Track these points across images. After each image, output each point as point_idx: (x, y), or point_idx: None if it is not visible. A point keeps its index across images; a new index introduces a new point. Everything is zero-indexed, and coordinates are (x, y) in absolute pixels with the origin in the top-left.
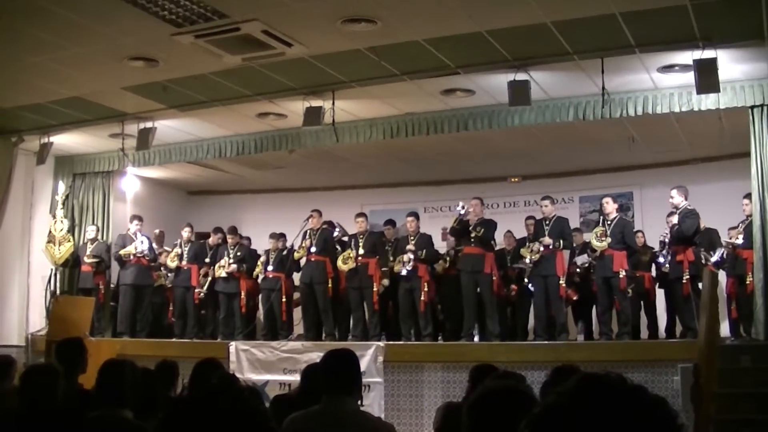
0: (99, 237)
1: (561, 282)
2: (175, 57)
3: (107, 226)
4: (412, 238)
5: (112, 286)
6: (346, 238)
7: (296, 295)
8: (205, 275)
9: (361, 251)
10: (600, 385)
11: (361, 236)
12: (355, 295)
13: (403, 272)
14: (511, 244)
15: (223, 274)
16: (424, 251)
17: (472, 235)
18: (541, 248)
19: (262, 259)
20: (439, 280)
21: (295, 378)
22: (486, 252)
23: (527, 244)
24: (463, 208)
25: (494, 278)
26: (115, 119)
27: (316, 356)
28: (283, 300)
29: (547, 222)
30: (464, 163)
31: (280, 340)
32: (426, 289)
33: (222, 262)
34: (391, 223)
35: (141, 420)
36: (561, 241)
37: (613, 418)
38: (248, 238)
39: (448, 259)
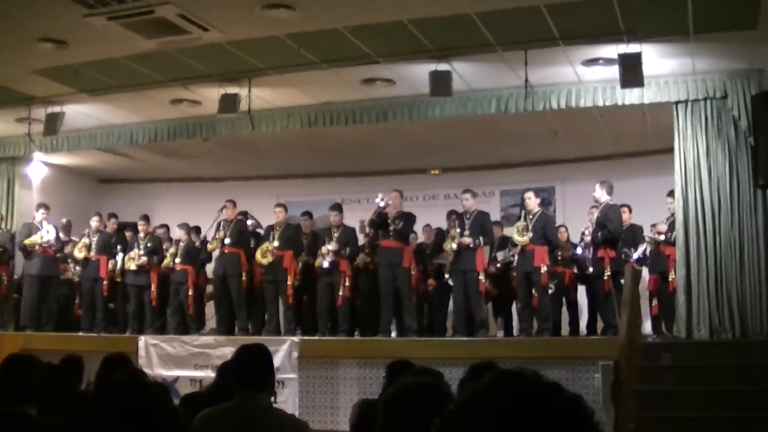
0: (2, 226)
1: (481, 277)
2: (87, 39)
3: (11, 214)
4: (335, 231)
5: (15, 277)
6: (260, 230)
7: (209, 288)
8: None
9: (276, 243)
10: (514, 382)
11: (278, 228)
12: (270, 288)
13: (325, 264)
14: (430, 238)
15: (133, 267)
16: (347, 248)
17: (391, 228)
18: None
19: (171, 250)
20: (357, 274)
21: (207, 374)
22: (404, 246)
23: (448, 238)
24: (382, 200)
25: (413, 273)
26: (22, 103)
27: (229, 351)
28: (190, 293)
29: (468, 216)
30: (384, 155)
31: (192, 335)
32: (347, 283)
33: (132, 253)
34: (307, 214)
35: (45, 417)
36: (481, 238)
37: (527, 415)
38: (166, 226)
39: (367, 253)
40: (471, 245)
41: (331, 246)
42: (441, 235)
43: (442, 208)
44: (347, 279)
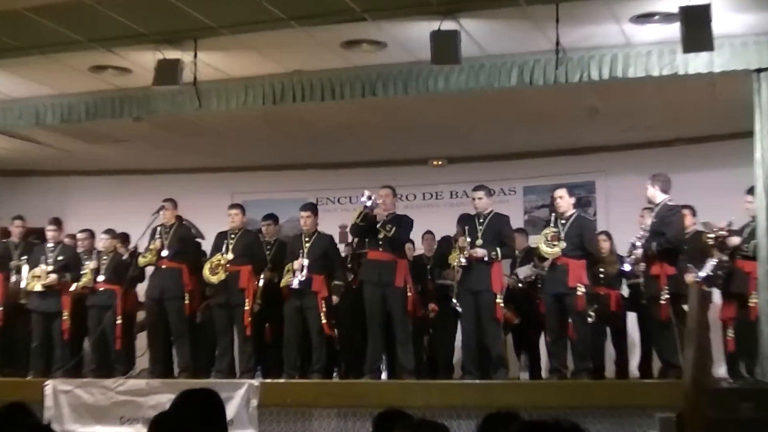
0: None
1: (498, 300)
2: None
3: None
4: (307, 239)
5: None
6: (201, 240)
7: (140, 315)
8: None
9: (230, 256)
10: None
11: (233, 235)
12: (222, 315)
13: (294, 284)
14: (431, 249)
15: (38, 288)
16: (323, 262)
17: (380, 235)
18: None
19: (91, 265)
20: (336, 296)
21: (137, 430)
22: (398, 258)
23: (455, 248)
24: (369, 199)
25: (409, 294)
26: None
27: (166, 399)
28: (119, 321)
29: (481, 220)
30: (371, 141)
31: (117, 378)
32: (323, 308)
33: (37, 269)
34: (271, 217)
35: None
36: (498, 250)
37: None
38: (88, 232)
39: (349, 267)
40: (485, 258)
41: (303, 261)
42: (446, 245)
43: (447, 210)
44: (323, 302)
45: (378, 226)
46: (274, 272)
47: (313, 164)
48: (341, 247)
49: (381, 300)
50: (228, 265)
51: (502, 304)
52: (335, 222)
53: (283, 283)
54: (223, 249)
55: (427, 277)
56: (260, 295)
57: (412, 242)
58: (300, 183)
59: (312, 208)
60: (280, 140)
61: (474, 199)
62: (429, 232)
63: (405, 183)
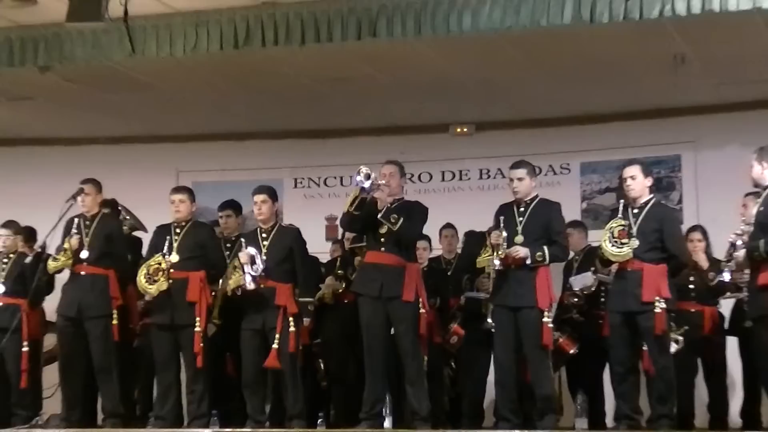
0: None
1: (546, 320)
2: None
3: None
4: (264, 236)
5: None
6: (139, 234)
7: (49, 340)
8: None
9: (175, 257)
10: None
11: (178, 230)
12: (164, 339)
13: (248, 283)
14: (454, 249)
15: None
16: (288, 263)
17: (383, 230)
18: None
19: None
20: (321, 312)
21: None
22: (406, 262)
23: (490, 244)
24: (367, 178)
25: (422, 311)
26: None
27: None
28: (25, 348)
29: (522, 209)
30: (370, 100)
31: (18, 428)
32: (292, 326)
33: None
34: (231, 206)
35: None
36: (546, 249)
37: None
38: None
39: (339, 274)
40: (528, 261)
41: (250, 251)
42: (474, 243)
43: (474, 195)
44: (293, 321)
45: (379, 216)
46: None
47: (290, 132)
48: (328, 246)
49: (383, 320)
50: (172, 271)
51: (551, 326)
52: (320, 211)
53: (231, 285)
54: (165, 248)
55: (447, 287)
56: (217, 312)
57: (428, 239)
58: (271, 158)
59: (268, 191)
60: (243, 100)
61: (512, 179)
62: (449, 225)
63: (417, 158)
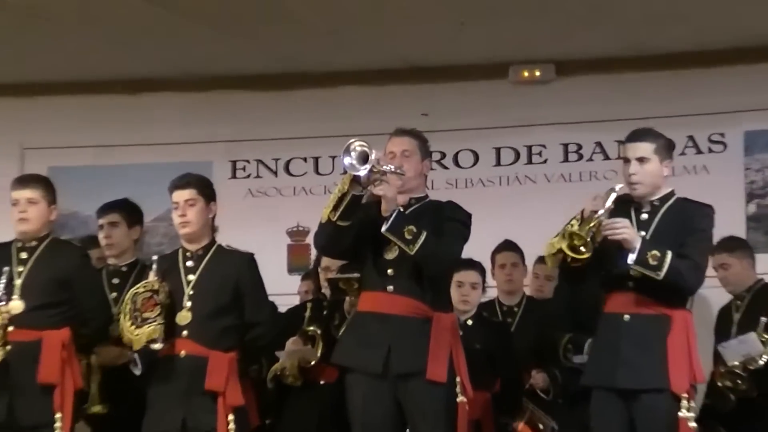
0: None
1: (685, 414)
2: None
3: None
4: (190, 264)
5: None
6: None
7: None
8: None
9: (16, 305)
10: None
11: (23, 253)
12: None
13: (156, 345)
14: (518, 289)
15: None
16: (233, 310)
17: (390, 253)
18: None
19: None
20: (281, 398)
21: None
22: (435, 311)
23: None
24: (363, 160)
25: (461, 399)
26: None
27: None
28: None
29: (645, 212)
30: (368, 25)
31: None
32: (232, 427)
33: None
34: (119, 209)
35: None
36: (669, 256)
37: None
38: None
39: (311, 332)
40: (630, 256)
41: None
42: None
43: (556, 189)
44: (233, 417)
45: (384, 230)
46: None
47: (224, 79)
48: (292, 282)
49: (391, 413)
50: (11, 329)
51: (694, 426)
52: (278, 221)
53: (137, 344)
54: (0, 288)
55: (510, 356)
56: (98, 396)
57: (476, 269)
58: (190, 125)
59: (198, 184)
60: (138, 26)
61: (628, 161)
62: (509, 246)
63: (451, 124)
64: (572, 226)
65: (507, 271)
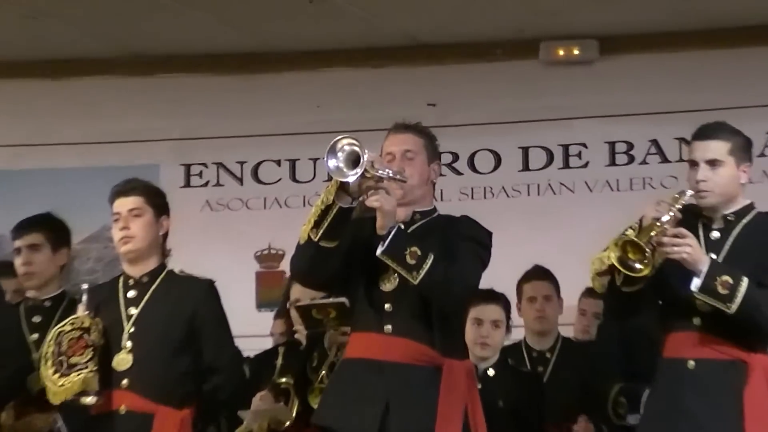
0: None
1: None
2: None
3: None
4: (132, 292)
5: None
6: None
7: None
8: None
9: None
10: None
11: None
12: None
13: (88, 398)
14: (549, 330)
15: None
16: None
17: (387, 283)
18: None
19: None
20: None
21: None
22: (445, 357)
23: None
24: (352, 162)
25: None
26: None
27: None
28: None
29: (716, 230)
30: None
31: None
32: None
33: None
34: (40, 227)
35: None
36: (745, 283)
37: None
38: None
39: (284, 385)
40: (695, 280)
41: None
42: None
43: (601, 201)
44: None
45: (380, 252)
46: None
47: (173, 60)
48: (261, 322)
49: None
50: None
51: None
52: (243, 240)
53: (62, 394)
54: None
55: (535, 408)
56: None
57: (499, 302)
58: (130, 117)
59: (145, 191)
60: None
61: (695, 164)
62: (540, 273)
63: (465, 118)
64: (628, 235)
65: (538, 306)
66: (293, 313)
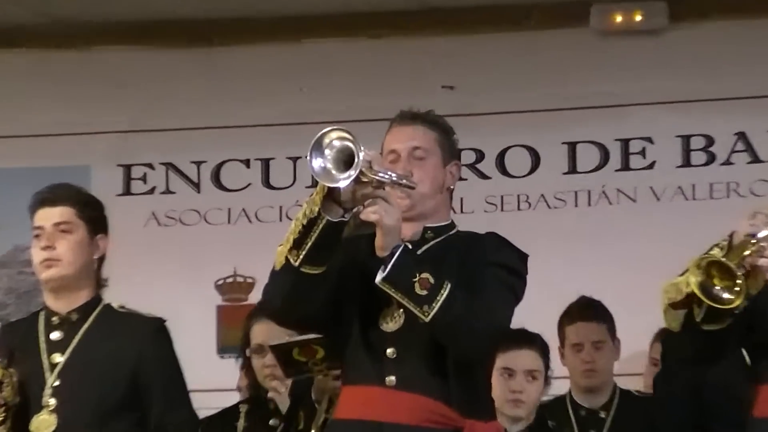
0: None
1: None
2: None
3: None
4: (57, 334)
5: None
6: None
7: None
8: None
9: None
10: None
11: None
12: None
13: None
14: (604, 384)
15: None
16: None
17: (389, 323)
18: None
19: None
20: None
21: None
22: (466, 417)
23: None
24: (344, 164)
25: None
26: None
27: None
28: None
29: None
30: None
31: None
32: None
33: None
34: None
35: None
36: None
37: None
38: None
39: None
40: None
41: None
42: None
43: (693, 215)
44: None
45: (380, 279)
46: None
47: (117, 27)
48: (226, 368)
49: None
50: None
51: None
52: (205, 265)
53: None
54: None
55: None
56: None
57: (536, 346)
58: (57, 107)
59: (76, 200)
60: None
61: None
62: (591, 312)
63: (494, 104)
64: (713, 255)
65: (585, 355)
66: (257, 362)
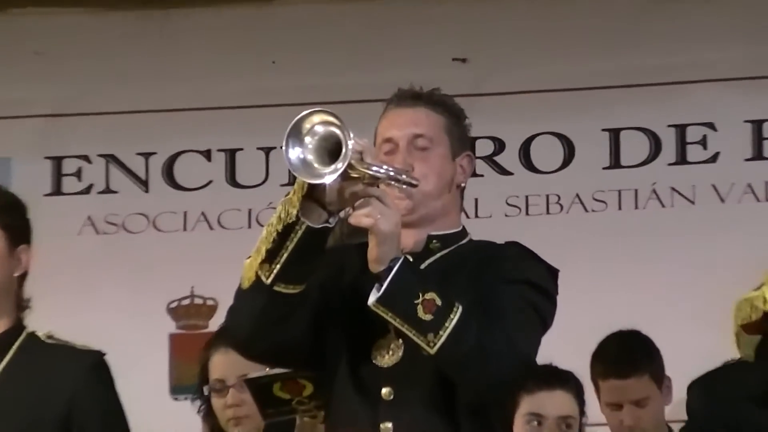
0: None
1: None
2: None
3: None
4: None
5: None
6: None
7: None
8: None
9: None
10: None
11: None
12: None
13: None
14: (652, 420)
15: None
16: None
17: (385, 356)
18: None
19: None
20: None
21: None
22: None
23: None
24: (329, 155)
25: None
26: None
27: None
28: None
29: None
30: None
31: None
32: None
33: None
34: None
35: None
36: None
37: None
38: None
39: None
40: None
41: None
42: None
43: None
44: None
45: (373, 301)
46: None
47: None
48: (180, 411)
49: None
50: None
51: None
52: (155, 282)
53: None
54: None
55: None
56: None
57: (568, 386)
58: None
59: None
60: None
61: None
62: (630, 357)
63: (516, 83)
64: None
65: (626, 415)
66: (216, 402)
